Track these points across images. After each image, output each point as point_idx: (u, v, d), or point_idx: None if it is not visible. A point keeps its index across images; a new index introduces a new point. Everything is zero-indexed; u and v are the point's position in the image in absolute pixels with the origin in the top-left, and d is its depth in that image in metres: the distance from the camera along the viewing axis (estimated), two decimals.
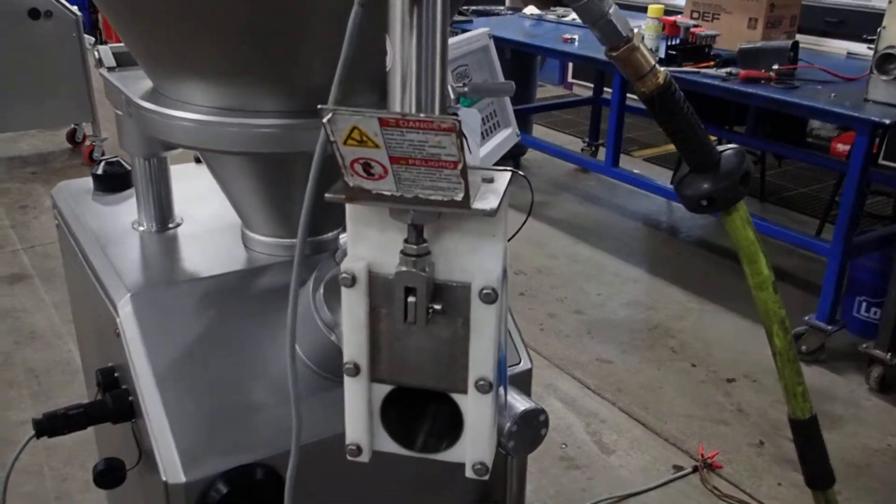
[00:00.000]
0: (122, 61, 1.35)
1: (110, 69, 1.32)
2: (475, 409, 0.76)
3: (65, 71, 5.26)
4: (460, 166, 0.61)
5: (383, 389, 0.80)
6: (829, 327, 3.30)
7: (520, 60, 5.16)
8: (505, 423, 1.27)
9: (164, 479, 1.06)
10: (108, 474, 1.17)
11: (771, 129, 5.11)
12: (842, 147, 5.39)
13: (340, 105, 0.62)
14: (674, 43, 3.67)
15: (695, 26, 3.71)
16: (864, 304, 3.45)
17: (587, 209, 5.09)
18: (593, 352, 3.47)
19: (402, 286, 0.71)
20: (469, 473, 0.79)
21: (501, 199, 0.68)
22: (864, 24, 5.48)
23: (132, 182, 1.47)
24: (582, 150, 5.85)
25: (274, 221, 1.27)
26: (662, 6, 3.89)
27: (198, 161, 1.70)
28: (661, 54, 3.71)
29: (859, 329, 3.46)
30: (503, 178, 0.72)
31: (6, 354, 3.32)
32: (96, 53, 1.33)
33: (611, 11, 0.84)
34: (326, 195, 0.71)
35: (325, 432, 1.16)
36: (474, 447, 0.78)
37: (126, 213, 1.45)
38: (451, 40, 1.40)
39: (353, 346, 0.77)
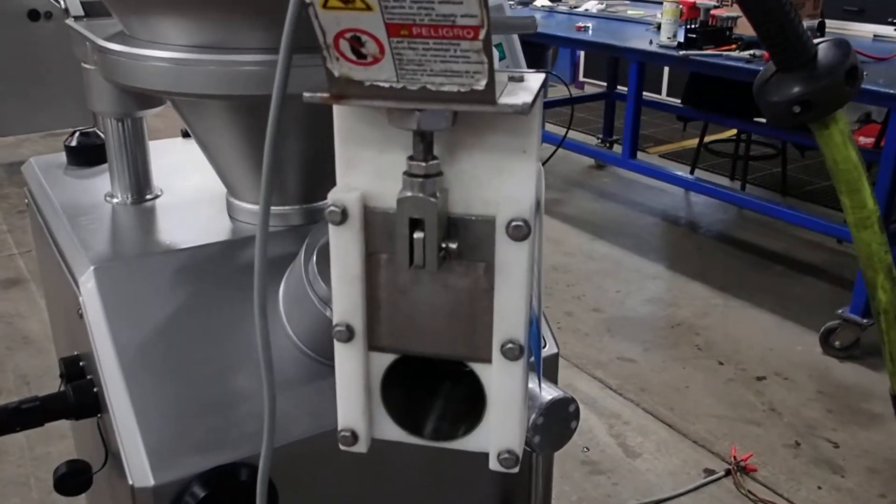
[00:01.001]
0: (92, 11, 1.19)
1: (77, 18, 1.16)
2: (502, 381, 0.59)
3: (65, 74, 5.13)
4: (482, 33, 0.45)
5: (384, 360, 0.63)
6: (864, 320, 3.11)
7: (531, 54, 4.98)
8: (530, 415, 1.10)
9: (130, 482, 0.90)
10: (70, 479, 1.01)
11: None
12: (864, 140, 5.20)
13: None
14: (693, 26, 3.50)
15: (715, 7, 3.54)
16: None
17: (603, 206, 4.91)
18: (614, 350, 3.29)
19: (406, 217, 0.54)
20: (494, 465, 0.62)
21: (535, 97, 0.51)
22: (883, 11, 5.30)
23: (107, 159, 1.31)
24: (596, 146, 5.67)
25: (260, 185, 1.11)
26: None
27: (185, 135, 1.55)
28: (681, 38, 3.54)
29: None
30: (535, 78, 0.55)
31: None
32: (62, 2, 1.18)
33: None
34: (305, 94, 0.55)
35: (320, 426, 1.00)
36: (501, 431, 0.61)
37: (100, 186, 1.30)
38: None
39: (345, 302, 0.60)
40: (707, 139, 5.18)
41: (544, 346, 1.19)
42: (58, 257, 1.13)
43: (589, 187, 5.23)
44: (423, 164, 0.54)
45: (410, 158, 0.54)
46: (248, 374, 1.01)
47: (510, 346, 0.58)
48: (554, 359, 1.20)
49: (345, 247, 0.58)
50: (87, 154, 1.38)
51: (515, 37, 1.43)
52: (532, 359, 0.66)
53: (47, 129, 5.72)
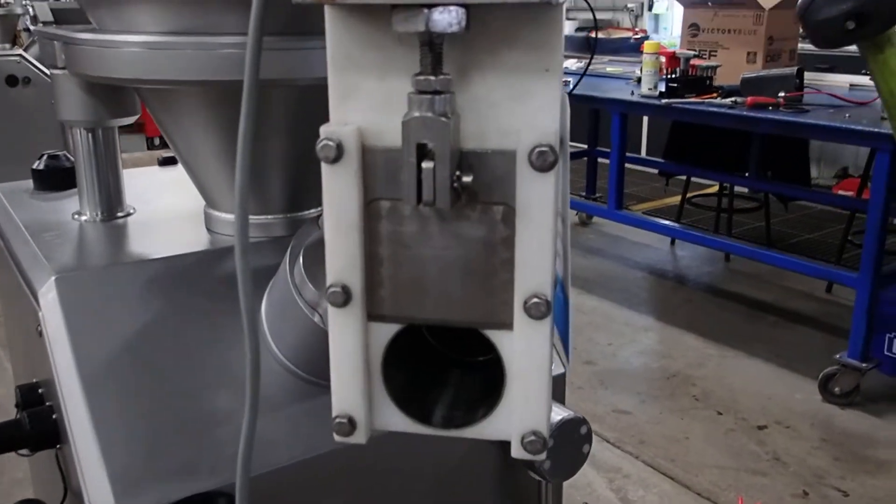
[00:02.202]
0: (61, 19, 1.12)
1: (46, 24, 1.09)
2: (525, 346, 0.50)
3: (43, 137, 5.06)
4: None
5: (386, 331, 0.54)
6: (864, 364, 3.03)
7: None
8: None
9: None
10: None
11: (774, 173, 4.94)
12: (843, 194, 5.24)
13: None
14: (674, 76, 3.51)
15: (695, 56, 3.57)
16: (895, 342, 3.19)
17: (589, 261, 4.86)
18: (609, 403, 3.17)
19: (413, 142, 0.46)
20: (517, 452, 0.53)
21: None
22: (854, 67, 5.41)
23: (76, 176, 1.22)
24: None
25: None
26: (657, 42, 3.76)
27: (161, 164, 1.47)
28: (662, 88, 3.55)
29: (892, 368, 3.19)
30: None
31: None
32: (31, 10, 1.11)
33: None
34: None
35: (307, 452, 0.90)
36: (524, 408, 0.52)
37: (68, 208, 1.21)
38: None
39: (341, 258, 0.51)
40: (691, 194, 5.18)
41: (563, 362, 1.10)
42: (17, 275, 1.03)
43: (574, 244, 5.17)
44: (433, 77, 0.46)
45: (417, 75, 0.47)
46: (226, 394, 0.90)
47: (535, 301, 0.49)
48: (561, 378, 1.11)
49: (340, 190, 0.50)
50: (55, 177, 1.30)
51: None
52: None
53: None
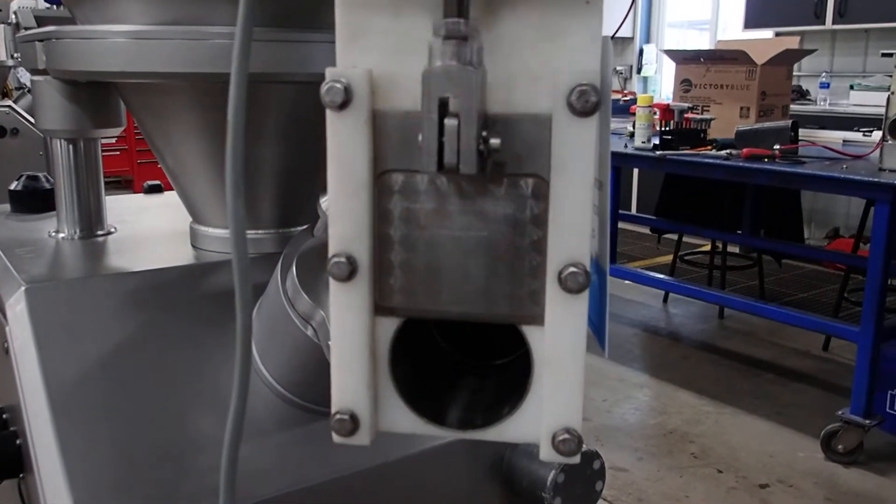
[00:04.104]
0: (45, 23, 1.07)
1: (28, 29, 1.04)
2: (560, 325, 0.43)
3: None
4: None
5: (392, 320, 0.46)
6: (867, 421, 2.94)
7: None
8: (548, 474, 0.92)
9: None
10: None
11: (767, 231, 4.93)
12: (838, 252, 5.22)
13: None
14: (668, 128, 3.51)
15: (690, 109, 3.57)
16: None
17: None
18: (605, 460, 3.04)
19: (435, 96, 0.40)
20: (548, 454, 0.45)
21: None
22: (845, 125, 5.47)
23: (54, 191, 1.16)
24: None
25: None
26: (651, 96, 3.77)
27: (147, 191, 1.41)
28: (656, 141, 3.54)
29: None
30: None
31: None
32: (13, 17, 1.06)
33: None
34: None
35: (297, 482, 0.81)
36: (556, 401, 0.44)
37: (44, 228, 1.13)
38: None
39: (347, 224, 0.44)
40: (682, 252, 5.15)
41: None
42: None
43: None
44: (459, 22, 0.40)
45: (439, 26, 0.41)
46: (209, 418, 0.82)
47: (572, 270, 0.42)
48: None
49: (347, 142, 0.43)
50: (34, 199, 1.23)
51: None
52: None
53: None
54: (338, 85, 0.42)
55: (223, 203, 0.97)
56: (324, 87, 0.42)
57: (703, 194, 4.78)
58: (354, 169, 0.43)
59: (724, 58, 3.84)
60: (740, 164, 3.13)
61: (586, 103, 0.40)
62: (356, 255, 0.45)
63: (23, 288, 0.83)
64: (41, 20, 1.08)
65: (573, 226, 0.42)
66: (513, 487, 0.94)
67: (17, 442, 0.83)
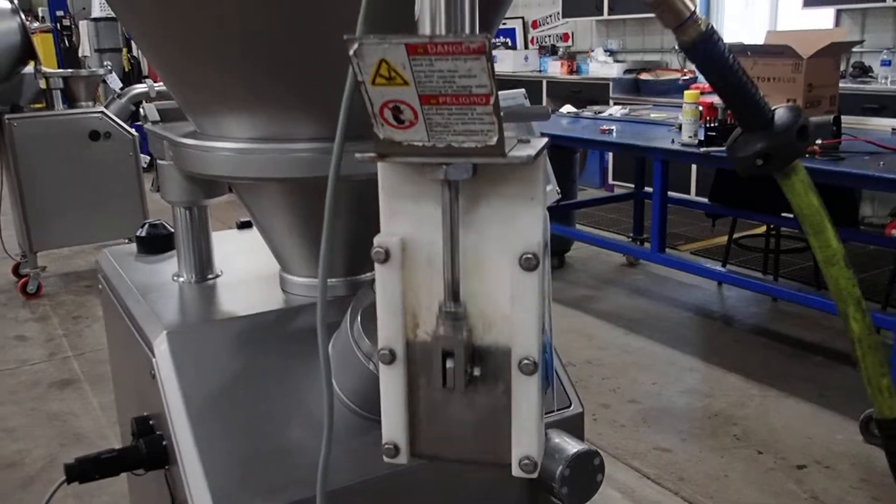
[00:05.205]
0: (166, 117, 1.37)
1: (154, 123, 1.34)
2: (520, 394, 0.70)
3: (120, 188, 5.45)
4: (492, 99, 0.59)
5: None
6: None
7: (559, 157, 5.21)
8: (557, 467, 1.18)
9: None
10: None
11: None
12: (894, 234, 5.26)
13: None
14: (713, 125, 3.67)
15: None
16: None
17: (636, 301, 4.98)
18: (651, 441, 3.30)
19: (440, 349, 0.67)
20: (516, 472, 0.72)
21: (538, 152, 0.65)
22: None
23: (174, 243, 1.48)
24: (628, 243, 5.79)
25: (311, 260, 1.25)
26: (697, 91, 3.92)
27: (239, 227, 1.71)
28: (701, 136, 3.71)
29: None
30: (540, 140, 0.68)
31: (51, 457, 3.29)
32: (142, 111, 1.36)
33: None
34: (358, 155, 0.68)
35: (362, 475, 1.10)
36: (521, 440, 0.71)
37: (167, 269, 1.45)
38: None
39: (389, 329, 0.72)
40: (738, 235, 5.28)
41: (569, 406, 1.28)
42: (131, 328, 1.27)
43: (622, 284, 5.31)
44: (455, 303, 0.69)
45: (441, 306, 0.69)
46: (300, 426, 1.11)
47: (526, 361, 0.69)
48: (579, 417, 1.29)
49: (387, 282, 0.71)
50: (155, 243, 1.55)
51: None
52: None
53: (99, 241, 6.01)
54: (381, 249, 0.70)
55: (306, 259, 1.26)
56: (373, 251, 0.70)
57: (756, 179, 4.90)
58: (393, 298, 0.71)
59: (771, 52, 3.96)
60: None
61: (530, 264, 0.66)
62: (395, 348, 0.73)
63: (165, 332, 1.14)
64: (162, 112, 1.38)
65: (527, 335, 0.69)
66: (530, 479, 1.21)
67: (164, 443, 1.14)
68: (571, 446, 1.19)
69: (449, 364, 0.69)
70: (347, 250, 1.24)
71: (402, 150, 0.64)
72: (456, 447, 0.74)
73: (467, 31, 0.63)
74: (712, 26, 0.89)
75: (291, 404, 1.12)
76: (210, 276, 1.38)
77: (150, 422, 1.19)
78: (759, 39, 4.41)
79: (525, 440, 0.71)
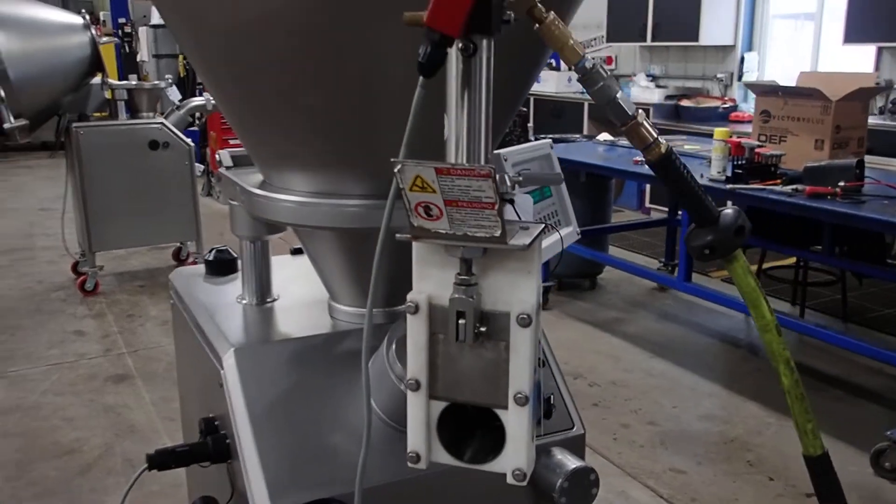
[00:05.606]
0: (238, 163, 1.61)
1: (228, 168, 1.58)
2: (514, 420, 0.91)
3: (175, 194, 5.76)
4: (497, 206, 0.80)
5: (439, 406, 0.96)
6: None
7: (594, 183, 5.40)
8: (556, 480, 1.39)
9: None
10: None
11: (850, 249, 5.12)
12: None
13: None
14: (740, 163, 3.83)
15: (759, 146, 3.87)
16: None
17: (664, 326, 5.14)
18: (667, 462, 3.46)
19: (454, 310, 0.88)
20: (510, 480, 0.93)
21: (533, 239, 0.86)
22: None
23: (237, 266, 1.72)
24: (658, 269, 5.94)
25: (356, 293, 1.48)
26: (728, 129, 4.08)
27: (292, 253, 1.95)
28: (728, 173, 3.87)
29: None
30: (536, 227, 0.90)
31: (107, 445, 3.57)
32: (218, 156, 1.60)
33: (618, 95, 1.03)
34: (398, 235, 0.90)
35: (394, 476, 1.31)
36: (514, 455, 0.92)
37: (232, 291, 1.68)
38: (517, 148, 1.61)
39: (415, 364, 0.94)
40: (768, 265, 5.40)
41: (572, 427, 1.48)
42: (201, 342, 1.50)
43: (651, 308, 5.47)
44: (466, 277, 0.89)
45: (458, 275, 0.89)
46: (342, 434, 1.33)
47: (520, 395, 0.90)
48: (581, 438, 1.49)
49: (417, 328, 0.92)
50: (221, 267, 1.79)
51: (555, 160, 1.74)
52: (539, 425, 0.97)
53: (153, 244, 6.36)
54: (412, 303, 0.91)
55: (351, 292, 1.49)
56: (406, 304, 0.91)
57: (785, 213, 5.02)
58: (419, 340, 0.92)
59: (801, 93, 4.11)
60: (802, 201, 3.44)
61: (525, 322, 0.87)
62: (420, 378, 0.94)
63: (232, 349, 1.37)
64: (235, 158, 1.62)
65: (520, 376, 0.90)
66: (535, 489, 1.41)
67: (227, 441, 1.37)
68: (571, 462, 1.39)
69: (462, 322, 0.87)
70: (386, 285, 1.46)
71: (430, 235, 0.86)
72: (465, 391, 0.93)
73: (482, 155, 0.85)
74: (670, 147, 1.10)
75: (334, 414, 1.34)
76: (269, 300, 1.62)
77: (216, 423, 1.42)
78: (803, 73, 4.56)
79: (518, 455, 0.92)
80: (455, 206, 0.82)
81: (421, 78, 0.85)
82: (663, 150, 1.08)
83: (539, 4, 0.92)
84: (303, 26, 1.12)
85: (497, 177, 0.77)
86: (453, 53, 0.86)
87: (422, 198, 0.82)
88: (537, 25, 0.93)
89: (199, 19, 1.24)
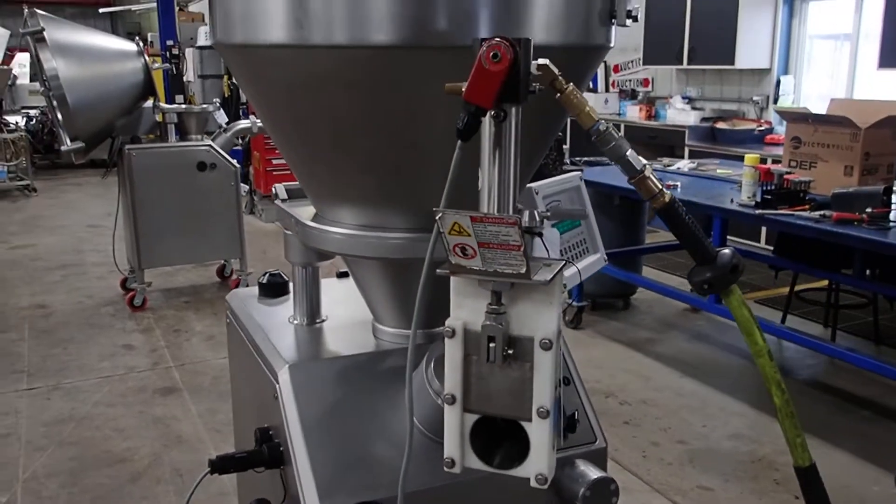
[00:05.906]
0: (292, 195, 1.78)
1: (283, 200, 1.75)
2: (537, 431, 1.05)
3: (221, 214, 5.99)
4: (522, 249, 0.94)
5: (472, 418, 1.10)
6: None
7: (628, 206, 5.51)
8: (579, 489, 1.51)
9: None
10: None
11: (882, 272, 5.15)
12: None
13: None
14: (769, 189, 3.92)
15: (788, 173, 3.96)
16: None
17: (695, 346, 5.21)
18: (695, 479, 3.55)
19: (486, 335, 1.03)
20: (533, 483, 1.07)
21: (555, 275, 1.00)
22: None
23: (289, 289, 1.88)
24: (690, 290, 6.00)
25: (398, 316, 1.63)
26: (758, 156, 4.18)
27: (338, 276, 2.11)
28: (758, 198, 3.96)
29: None
30: (558, 263, 1.04)
31: (156, 455, 3.75)
32: (273, 190, 1.77)
33: (628, 152, 1.18)
34: (438, 270, 1.05)
35: (431, 482, 1.45)
36: (537, 461, 1.06)
37: (284, 311, 1.85)
38: (548, 181, 1.76)
39: (451, 381, 1.08)
40: (800, 287, 5.45)
41: (595, 441, 1.61)
42: (257, 358, 1.66)
43: (683, 329, 5.54)
44: (496, 307, 1.03)
45: (489, 304, 1.04)
46: (385, 443, 1.48)
47: (542, 409, 1.04)
48: (603, 451, 1.61)
49: (453, 350, 1.07)
50: (274, 289, 1.95)
51: (585, 192, 1.86)
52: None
53: (199, 262, 6.60)
54: (449, 329, 1.06)
55: (394, 314, 1.64)
56: (444, 329, 1.06)
57: (817, 238, 5.08)
58: (455, 361, 1.07)
59: (831, 120, 4.19)
60: (829, 227, 3.52)
61: (546, 346, 1.01)
62: (455, 394, 1.08)
63: (287, 366, 1.52)
64: (289, 191, 1.79)
65: (542, 393, 1.04)
66: (559, 496, 1.54)
67: (281, 449, 1.53)
68: (593, 473, 1.52)
69: (492, 345, 1.01)
70: (426, 310, 1.61)
71: (466, 271, 1.01)
72: (495, 405, 1.07)
73: (510, 204, 0.99)
74: (673, 197, 1.23)
75: (378, 425, 1.49)
76: (318, 321, 1.77)
77: (270, 432, 1.58)
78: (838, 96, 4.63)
79: (540, 462, 1.06)
80: (487, 248, 0.96)
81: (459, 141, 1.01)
82: (667, 199, 1.21)
83: (560, 77, 1.07)
84: (357, 83, 1.28)
85: (522, 221, 0.91)
86: (487, 119, 1.01)
87: (459, 240, 0.97)
88: (558, 95, 1.08)
89: (262, 76, 1.41)
